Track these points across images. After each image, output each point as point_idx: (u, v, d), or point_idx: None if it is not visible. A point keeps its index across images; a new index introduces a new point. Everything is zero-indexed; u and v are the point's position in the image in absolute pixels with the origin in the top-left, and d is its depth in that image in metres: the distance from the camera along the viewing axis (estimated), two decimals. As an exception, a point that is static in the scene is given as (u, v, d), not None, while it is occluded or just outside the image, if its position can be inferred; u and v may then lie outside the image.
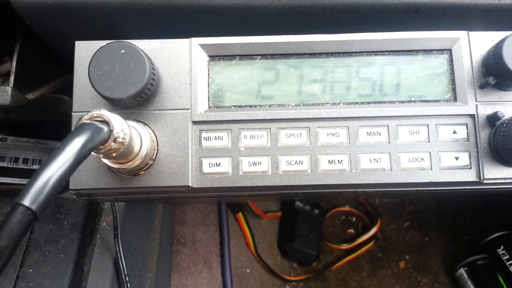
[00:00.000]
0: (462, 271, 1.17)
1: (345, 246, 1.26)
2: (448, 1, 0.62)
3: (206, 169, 0.50)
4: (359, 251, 1.25)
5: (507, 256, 1.13)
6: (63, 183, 0.32)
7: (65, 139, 0.34)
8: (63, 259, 0.75)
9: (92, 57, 0.45)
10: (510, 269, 1.12)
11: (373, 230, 1.26)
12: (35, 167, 0.95)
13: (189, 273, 1.18)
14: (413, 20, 0.63)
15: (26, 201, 0.29)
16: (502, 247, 1.16)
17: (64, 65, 0.76)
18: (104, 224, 0.80)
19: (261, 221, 1.29)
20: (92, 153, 0.39)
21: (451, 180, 0.50)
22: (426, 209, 1.31)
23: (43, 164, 0.32)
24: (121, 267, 0.76)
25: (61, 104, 0.81)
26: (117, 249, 0.75)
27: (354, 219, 1.31)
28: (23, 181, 0.93)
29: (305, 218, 1.25)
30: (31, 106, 0.72)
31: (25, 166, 0.95)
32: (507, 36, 0.48)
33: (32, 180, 0.31)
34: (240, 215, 1.24)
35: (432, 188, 0.51)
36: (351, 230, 1.30)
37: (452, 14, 0.63)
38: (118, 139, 0.39)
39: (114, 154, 0.42)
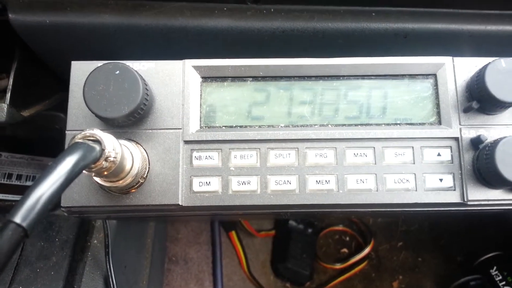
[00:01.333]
0: (455, 291, 1.17)
1: (338, 266, 1.25)
2: (436, 27, 0.64)
3: (196, 188, 0.51)
4: (353, 271, 1.25)
5: (500, 277, 1.14)
6: (54, 200, 0.33)
7: (58, 157, 0.35)
8: (54, 276, 0.75)
9: (87, 77, 0.46)
10: (503, 290, 1.12)
11: (366, 250, 1.26)
12: (29, 183, 0.96)
13: (181, 292, 1.17)
14: (402, 45, 0.65)
15: (17, 219, 0.30)
16: (495, 267, 1.16)
17: (60, 83, 0.77)
18: (95, 241, 0.80)
19: (254, 240, 1.29)
20: (84, 171, 0.40)
21: (436, 201, 0.51)
22: (419, 229, 1.31)
23: (35, 182, 0.33)
24: (112, 285, 0.75)
25: (56, 121, 0.82)
26: (108, 266, 0.75)
27: (347, 238, 1.31)
28: (16, 197, 0.93)
29: (299, 237, 1.25)
30: (27, 123, 0.73)
31: (18, 182, 0.95)
32: (489, 62, 0.50)
33: (24, 198, 0.32)
34: (233, 233, 1.24)
35: (417, 209, 0.52)
36: (345, 250, 1.30)
37: (439, 39, 0.65)
38: (109, 158, 0.40)
39: (105, 173, 0.42)
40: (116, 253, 0.79)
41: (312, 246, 1.25)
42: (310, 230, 1.25)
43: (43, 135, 0.90)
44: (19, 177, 0.95)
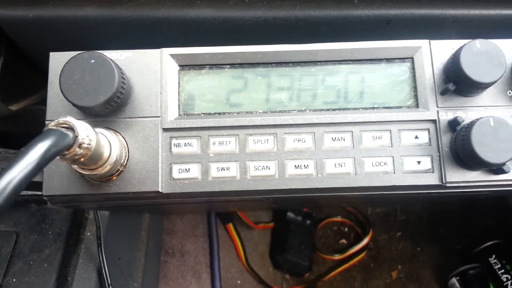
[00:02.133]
0: (454, 280, 1.17)
1: (337, 257, 1.26)
2: (419, 12, 0.63)
3: (176, 175, 0.51)
4: (352, 262, 1.26)
5: (499, 265, 1.13)
6: (25, 183, 0.34)
7: (30, 143, 0.36)
8: (47, 269, 0.76)
9: (63, 67, 0.47)
10: (502, 278, 1.11)
11: (365, 240, 1.27)
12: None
13: (178, 283, 1.18)
14: (385, 31, 0.65)
15: None
16: (493, 256, 1.16)
17: (47, 76, 0.78)
18: (88, 234, 0.81)
19: (252, 232, 1.29)
20: (60, 158, 0.41)
21: (414, 184, 0.51)
22: (418, 219, 1.31)
23: (7, 165, 0.34)
24: (105, 277, 0.76)
25: (45, 115, 0.83)
26: (101, 258, 0.76)
27: (346, 229, 1.31)
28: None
29: (297, 228, 1.25)
30: (16, 118, 0.74)
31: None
32: (464, 44, 0.50)
33: None
34: (230, 225, 1.25)
35: (397, 192, 0.52)
36: (343, 241, 1.30)
37: (423, 25, 0.64)
38: (83, 144, 0.41)
39: (82, 160, 0.43)
40: (109, 245, 0.80)
41: (310, 238, 1.25)
42: (308, 222, 1.26)
43: (34, 130, 0.91)
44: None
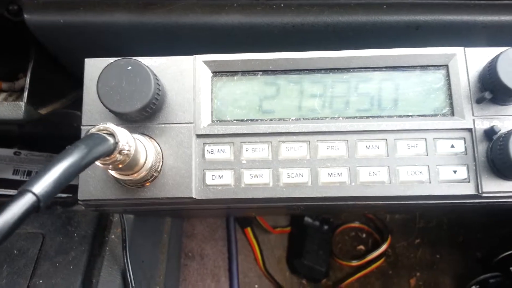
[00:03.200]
0: (474, 289, 1.15)
1: (355, 263, 1.25)
2: (449, 18, 0.63)
3: (209, 181, 0.52)
4: (369, 268, 1.25)
5: (520, 275, 1.11)
6: (68, 181, 0.34)
7: (74, 143, 0.36)
8: (73, 271, 0.77)
9: (100, 74, 0.48)
10: (523, 287, 1.10)
11: (383, 247, 1.25)
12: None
13: (197, 287, 1.19)
14: (414, 37, 0.65)
15: (34, 188, 0.31)
16: (515, 265, 1.14)
17: (76, 81, 0.79)
18: (113, 236, 0.82)
19: (270, 236, 1.29)
20: (100, 164, 0.41)
21: (450, 194, 0.50)
22: (437, 226, 1.29)
23: (53, 160, 0.34)
24: (129, 280, 0.77)
25: (73, 119, 0.85)
26: (125, 261, 0.77)
27: (364, 235, 1.30)
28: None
29: (315, 234, 1.25)
30: (44, 121, 0.75)
31: (38, 179, 0.98)
32: (501, 52, 0.49)
33: (41, 172, 0.32)
34: (249, 229, 1.25)
35: (431, 202, 0.51)
36: (361, 247, 1.29)
37: (452, 31, 0.64)
38: (123, 151, 0.41)
39: (120, 166, 0.43)
40: (133, 248, 0.80)
41: (328, 243, 1.25)
42: (326, 227, 1.25)
43: (61, 133, 0.93)
44: (38, 174, 0.98)
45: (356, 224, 1.30)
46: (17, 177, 0.97)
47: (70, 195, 0.85)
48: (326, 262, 1.22)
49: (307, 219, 1.24)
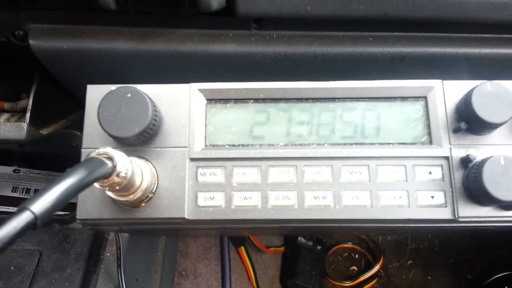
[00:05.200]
0: (464, 311, 1.16)
1: (347, 284, 1.26)
2: (432, 50, 0.67)
3: (201, 202, 0.54)
4: (362, 289, 1.26)
5: (511, 297, 1.13)
6: (65, 202, 0.36)
7: (75, 166, 0.39)
8: (68, 287, 0.79)
9: (101, 100, 0.51)
10: (513, 310, 1.11)
11: (376, 268, 1.27)
12: (47, 198, 1.00)
13: (190, 306, 1.20)
14: (399, 67, 0.68)
15: (32, 207, 0.33)
16: (506, 287, 1.15)
17: (76, 102, 0.82)
18: (108, 254, 0.84)
19: (263, 255, 1.31)
20: (98, 186, 0.44)
21: (428, 218, 0.53)
22: (429, 247, 1.31)
23: (53, 181, 0.36)
24: (123, 297, 0.79)
25: (72, 138, 0.87)
26: (120, 279, 0.78)
27: (357, 256, 1.32)
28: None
29: (308, 254, 1.26)
30: (44, 140, 0.78)
31: (37, 197, 1.00)
32: (476, 86, 0.52)
33: (41, 192, 0.35)
34: (242, 249, 1.27)
35: (411, 225, 0.54)
36: (354, 267, 1.31)
37: (436, 62, 0.67)
38: (120, 173, 0.44)
39: (117, 188, 0.46)
40: (127, 266, 0.82)
41: (321, 263, 1.26)
42: (319, 247, 1.26)
43: (59, 152, 0.95)
44: (36, 191, 1.00)
45: (349, 245, 1.31)
46: (16, 194, 0.99)
47: (68, 213, 0.87)
48: (319, 283, 1.23)
49: (301, 239, 1.25)
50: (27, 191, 0.99)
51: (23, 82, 0.78)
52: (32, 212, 0.33)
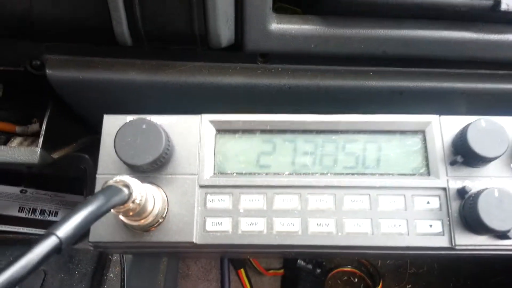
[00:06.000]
0: (462, 337, 1.16)
1: (346, 307, 1.27)
2: (430, 85, 0.69)
3: (209, 227, 0.57)
4: (360, 313, 1.26)
5: (509, 324, 1.13)
6: (87, 227, 0.39)
7: (95, 194, 0.42)
8: (73, 308, 0.80)
9: (118, 130, 0.54)
10: (511, 337, 1.11)
11: (375, 292, 1.28)
12: (52, 218, 1.02)
13: (190, 328, 1.20)
14: (398, 100, 0.71)
15: (58, 232, 0.35)
16: (504, 314, 1.16)
17: (88, 127, 0.85)
18: (111, 275, 0.86)
19: (263, 278, 1.31)
20: (114, 211, 0.47)
21: (426, 245, 0.55)
22: (428, 272, 1.32)
23: (76, 208, 0.39)
24: (126, 318, 0.80)
25: (81, 161, 0.90)
26: (123, 300, 0.80)
27: (356, 280, 1.32)
28: (40, 231, 0.99)
29: (307, 277, 1.27)
30: (54, 164, 0.80)
31: (41, 217, 1.01)
32: (471, 122, 0.56)
33: (66, 218, 0.37)
34: (242, 271, 1.27)
35: (410, 252, 0.56)
36: (353, 291, 1.31)
37: (434, 96, 0.70)
38: (136, 200, 0.47)
39: (131, 213, 0.49)
40: (130, 287, 0.83)
41: (320, 287, 1.27)
42: (318, 271, 1.27)
43: (67, 174, 0.97)
44: (42, 212, 1.02)
45: (348, 269, 1.32)
46: (22, 215, 1.00)
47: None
48: (318, 306, 1.24)
49: (300, 262, 1.27)
50: (33, 211, 1.01)
51: (34, 107, 0.80)
52: (58, 237, 0.36)
